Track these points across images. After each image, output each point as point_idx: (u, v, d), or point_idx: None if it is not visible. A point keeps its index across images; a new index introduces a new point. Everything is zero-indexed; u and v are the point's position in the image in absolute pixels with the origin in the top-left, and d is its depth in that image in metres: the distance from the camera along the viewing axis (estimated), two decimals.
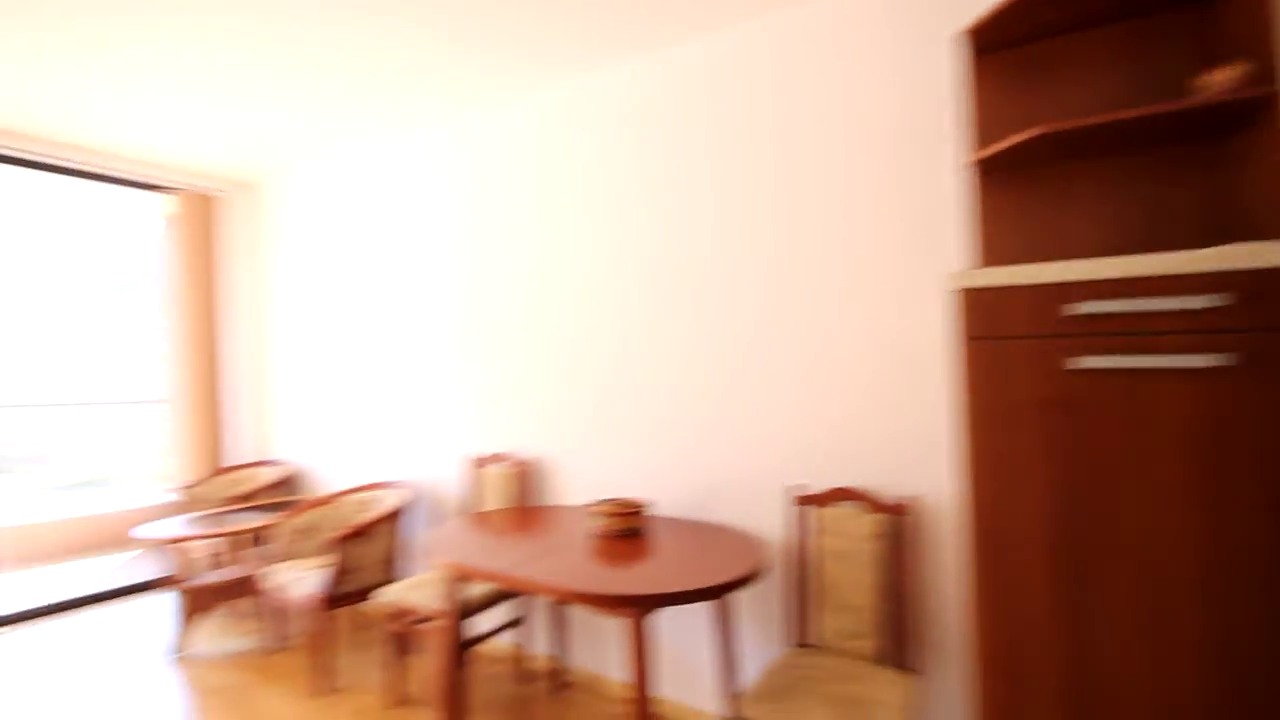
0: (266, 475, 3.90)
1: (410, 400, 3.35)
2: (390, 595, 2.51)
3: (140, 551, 4.70)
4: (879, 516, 1.98)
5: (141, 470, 6.23)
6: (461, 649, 2.23)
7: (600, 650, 2.64)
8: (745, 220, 2.31)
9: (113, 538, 4.90)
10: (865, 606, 1.96)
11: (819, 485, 2.15)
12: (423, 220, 3.30)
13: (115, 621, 3.48)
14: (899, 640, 1.92)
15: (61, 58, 2.51)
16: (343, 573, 2.71)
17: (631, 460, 2.57)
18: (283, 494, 3.88)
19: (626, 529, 2.18)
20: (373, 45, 2.44)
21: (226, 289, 4.24)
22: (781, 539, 2.23)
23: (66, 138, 3.35)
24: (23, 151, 3.33)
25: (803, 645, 2.06)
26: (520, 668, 2.80)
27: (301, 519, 3.07)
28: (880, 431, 2.05)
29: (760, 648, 2.26)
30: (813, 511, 2.10)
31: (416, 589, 2.51)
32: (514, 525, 2.42)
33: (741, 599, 2.29)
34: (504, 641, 2.95)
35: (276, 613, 3.10)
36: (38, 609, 3.56)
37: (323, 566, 2.76)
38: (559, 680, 2.65)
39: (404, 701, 2.56)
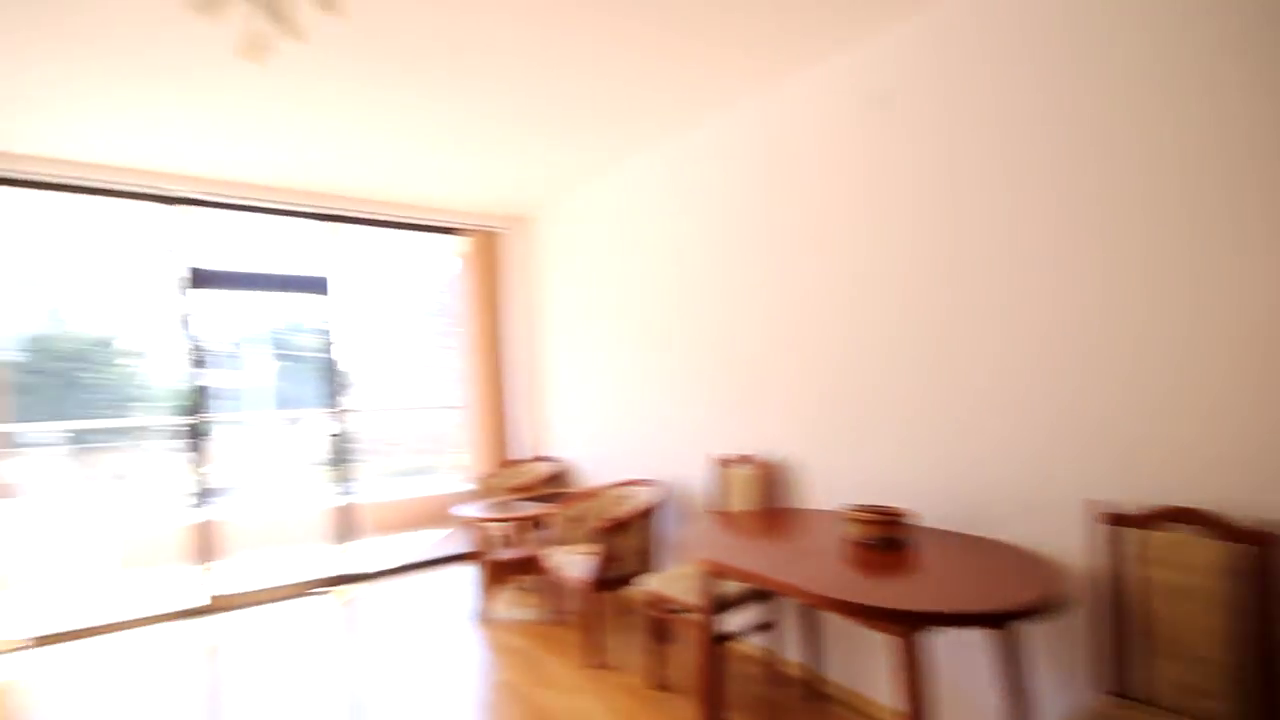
0: (543, 469, 4.48)
1: (662, 403, 3.58)
2: (649, 584, 2.70)
3: (451, 530, 5.72)
4: (1231, 546, 1.58)
5: (449, 462, 7.62)
6: (716, 644, 2.31)
7: (858, 664, 2.52)
8: (1045, 200, 2.03)
9: (433, 516, 6.05)
10: (1214, 659, 1.57)
11: (1134, 501, 1.78)
12: (671, 232, 3.52)
13: (435, 583, 4.29)
14: (1271, 708, 1.50)
15: (385, 139, 3.22)
16: (607, 560, 2.99)
17: (886, 465, 2.41)
18: (556, 486, 4.41)
19: (885, 538, 2.05)
20: (622, 71, 2.69)
21: (507, 311, 5.00)
22: (1083, 565, 1.89)
23: (388, 197, 4.27)
24: (356, 211, 4.34)
25: (1120, 695, 1.72)
26: (773, 671, 2.79)
27: (571, 509, 3.46)
28: (1234, 436, 1.63)
29: (1059, 691, 1.94)
30: (1130, 534, 1.75)
31: (673, 581, 2.66)
32: (763, 527, 2.44)
33: (1033, 631, 1.99)
34: (755, 643, 2.97)
35: (554, 590, 3.53)
36: (383, 570, 4.55)
37: (590, 553, 3.07)
38: (813, 689, 2.58)
39: (663, 685, 2.72)
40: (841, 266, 2.56)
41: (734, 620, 2.86)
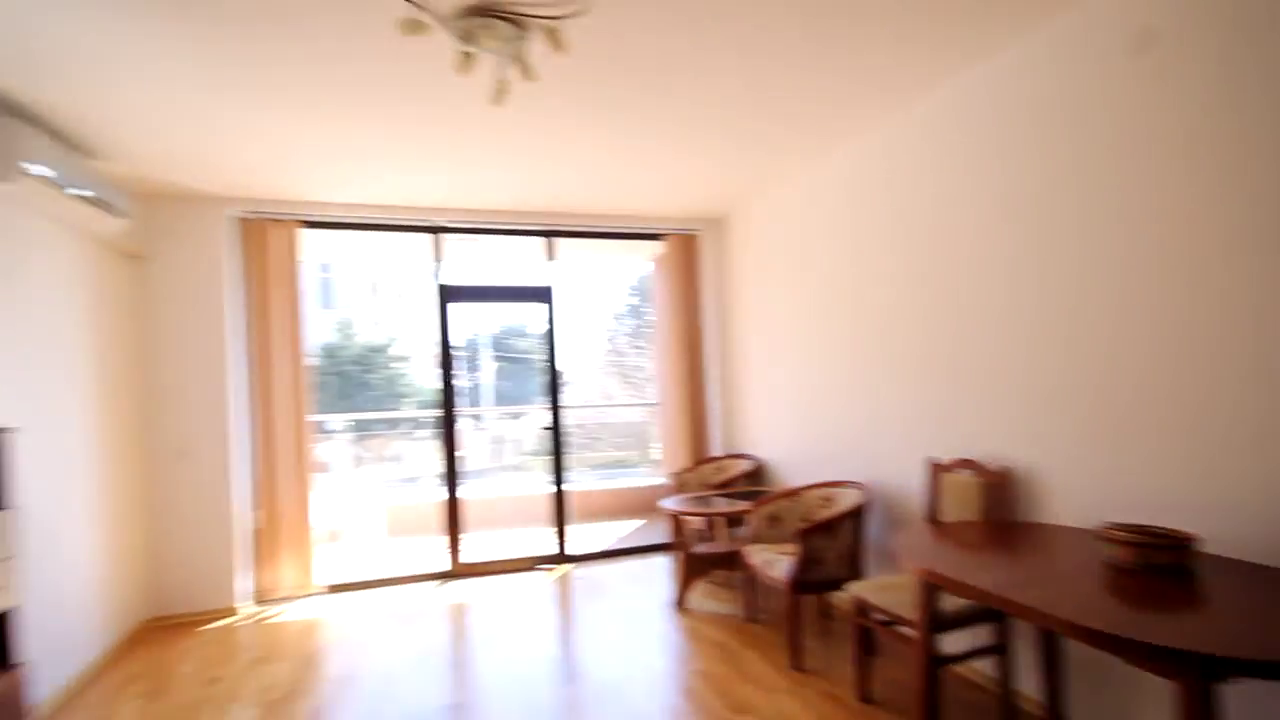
0: (739, 467, 4.49)
1: (869, 401, 3.38)
2: (858, 591, 2.56)
3: (644, 521, 5.99)
4: None
5: (645, 457, 7.98)
6: (934, 663, 2.11)
7: (1110, 706, 2.13)
8: None
9: (630, 507, 6.39)
10: None
11: None
12: (874, 225, 3.32)
13: (634, 570, 4.52)
14: None
15: (595, 156, 3.45)
16: (808, 562, 2.91)
17: (1154, 477, 2.01)
18: (752, 484, 4.39)
19: (1158, 564, 1.71)
20: (812, 66, 2.59)
21: (701, 310, 5.10)
22: None
23: (597, 209, 4.58)
24: (585, 224, 4.72)
25: None
26: (1001, 702, 2.48)
27: (769, 508, 3.42)
28: None
29: None
30: None
31: (884, 590, 2.49)
32: (989, 540, 2.19)
33: None
34: (979, 667, 2.67)
35: (750, 587, 3.51)
36: (588, 553, 4.90)
37: (789, 553, 3.01)
38: None
39: (869, 699, 2.56)
40: (1104, 241, 2.20)
41: (953, 640, 2.61)
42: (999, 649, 2.40)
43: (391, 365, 18.72)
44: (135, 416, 3.79)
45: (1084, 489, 2.23)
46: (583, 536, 5.22)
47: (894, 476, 3.15)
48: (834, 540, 2.96)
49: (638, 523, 6.00)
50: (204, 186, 3.76)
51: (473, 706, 2.72)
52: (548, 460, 4.90)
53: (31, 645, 2.58)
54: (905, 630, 2.33)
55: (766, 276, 4.44)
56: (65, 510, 3.04)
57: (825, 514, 3.21)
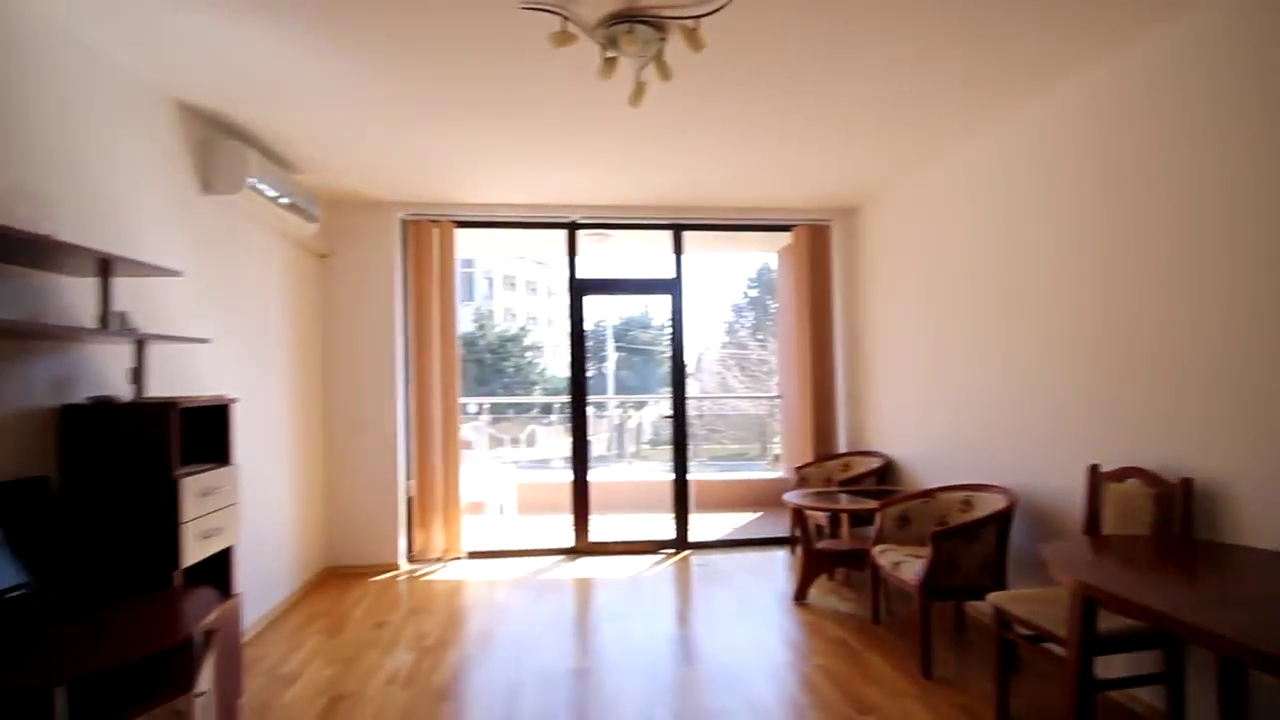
0: (867, 464, 4.35)
1: (1017, 400, 3.15)
2: (999, 600, 2.42)
3: (760, 514, 5.95)
4: None
5: (764, 450, 7.90)
6: (1088, 687, 1.96)
7: None
8: None
9: (747, 499, 6.38)
10: None
11: None
12: (1030, 210, 3.07)
13: (751, 560, 4.54)
14: None
15: (724, 150, 3.47)
16: (941, 566, 2.78)
17: None
18: (880, 482, 4.24)
19: None
20: (956, 51, 2.44)
21: (828, 303, 4.96)
22: None
23: (724, 202, 4.59)
24: (712, 217, 4.78)
25: None
26: None
27: (900, 507, 3.30)
28: None
29: None
30: None
31: (1030, 602, 2.33)
32: (1161, 557, 1.99)
33: None
34: (1143, 697, 2.42)
35: (877, 588, 3.41)
36: (707, 541, 4.98)
37: (920, 555, 2.89)
38: None
39: (1010, 717, 2.41)
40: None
41: (1111, 663, 2.39)
42: (1167, 678, 2.17)
43: (524, 354, 19.93)
44: (318, 394, 4.39)
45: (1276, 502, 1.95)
46: (700, 525, 5.30)
47: (1045, 482, 2.91)
48: (973, 546, 2.81)
49: (754, 515, 5.98)
50: (378, 193, 4.26)
51: (597, 673, 2.90)
52: (669, 449, 5.02)
53: (241, 580, 3.09)
54: (1054, 648, 2.18)
55: (901, 266, 4.24)
56: (266, 471, 3.59)
57: (964, 518, 3.04)
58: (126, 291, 2.34)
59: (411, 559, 4.62)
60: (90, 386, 2.23)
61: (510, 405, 12.50)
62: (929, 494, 3.34)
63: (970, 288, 3.51)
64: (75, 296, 2.18)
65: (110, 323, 2.13)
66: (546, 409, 11.55)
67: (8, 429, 1.92)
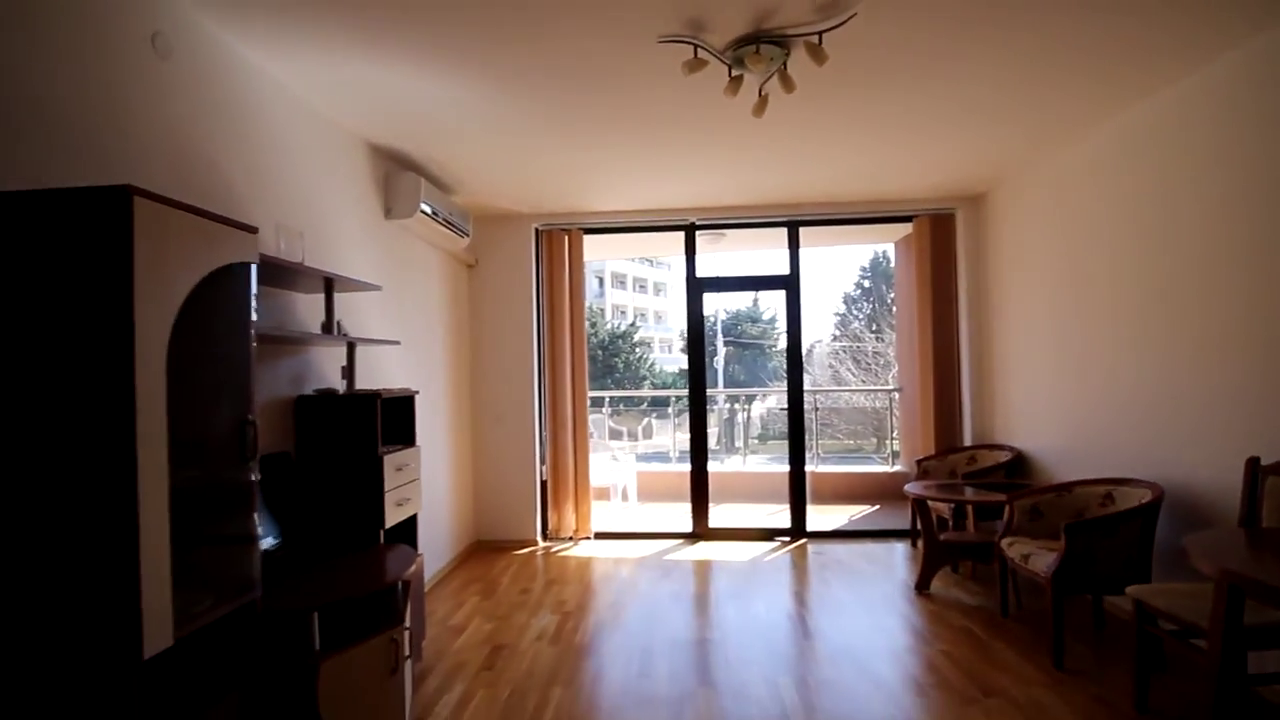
0: (996, 457, 4.26)
1: (1165, 390, 3.02)
2: (1139, 593, 2.39)
3: (877, 507, 5.90)
4: None
5: (882, 443, 7.76)
6: (1234, 682, 1.92)
7: None
8: None
9: (865, 491, 6.33)
10: None
11: None
12: (1173, 192, 2.93)
13: (870, 551, 4.57)
14: None
15: (840, 146, 3.54)
16: (1075, 559, 2.75)
17: None
18: (1011, 476, 4.14)
19: None
20: (1084, 34, 2.40)
21: (951, 293, 4.86)
22: None
23: (841, 197, 4.64)
24: (828, 211, 4.84)
25: None
26: None
27: (1030, 500, 3.25)
28: None
29: None
30: None
31: (1174, 595, 2.30)
32: None
33: None
34: None
35: (1006, 581, 3.37)
36: (825, 531, 5.05)
37: (1052, 549, 2.86)
38: None
39: (1147, 710, 2.38)
40: None
41: (1265, 660, 2.30)
42: None
43: (634, 350, 20.54)
44: (467, 388, 4.96)
45: None
46: (816, 516, 5.38)
47: (1198, 476, 2.78)
48: (1113, 540, 2.75)
49: (871, 508, 5.94)
50: (516, 207, 4.74)
51: (720, 644, 3.13)
52: (778, 443, 5.15)
53: (419, 543, 3.64)
54: (1199, 644, 2.14)
55: (1032, 255, 4.10)
56: (430, 455, 4.15)
57: (1103, 512, 2.96)
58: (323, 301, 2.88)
59: (546, 537, 5.09)
60: (315, 381, 2.78)
61: (625, 399, 13.04)
62: (1065, 487, 3.26)
63: (1111, 276, 3.37)
64: (304, 309, 2.73)
65: (333, 329, 2.65)
66: (659, 403, 11.94)
67: (265, 414, 2.46)
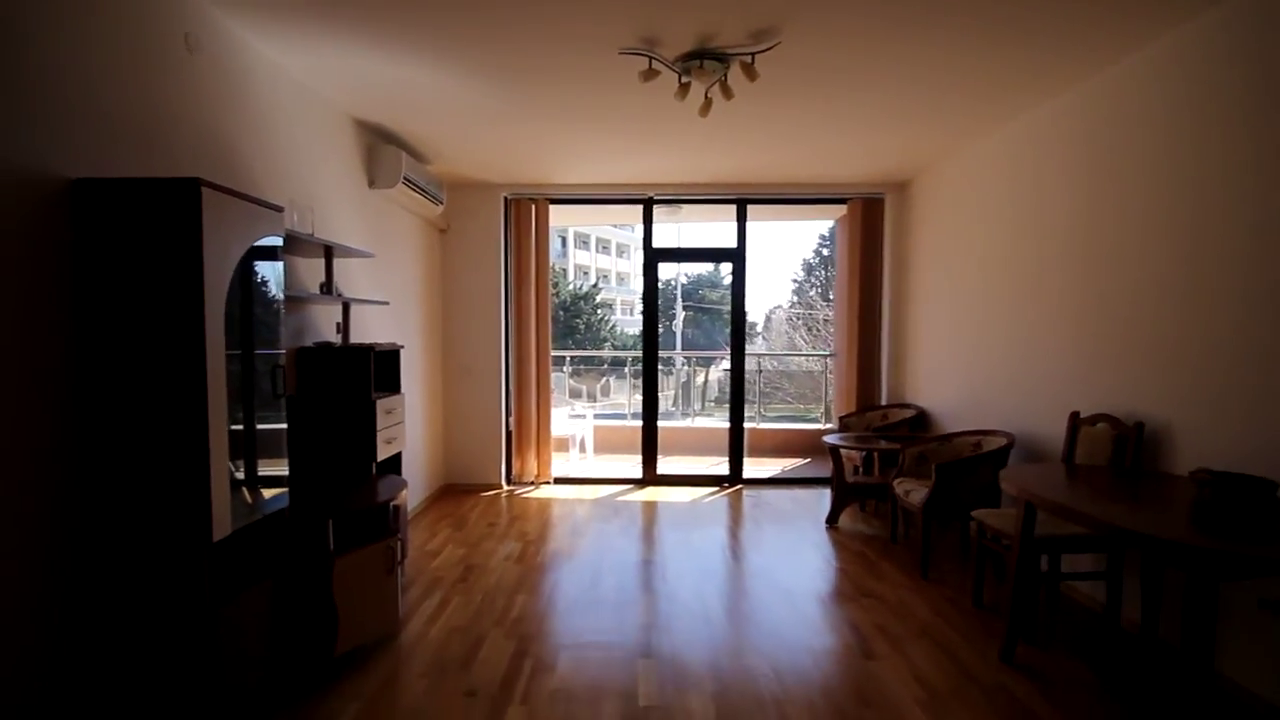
0: (903, 414, 4.95)
1: (1023, 358, 3.69)
2: (979, 515, 3.06)
3: (810, 460, 6.62)
4: None
5: (815, 402, 8.48)
6: (1039, 580, 2.59)
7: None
8: None
9: (798, 446, 7.05)
10: None
11: None
12: (1038, 193, 3.54)
13: (796, 497, 5.26)
14: None
15: (784, 138, 4.03)
16: (942, 493, 3.42)
17: (1268, 433, 2.25)
18: (914, 430, 4.83)
19: (1237, 503, 2.03)
20: (995, 48, 2.92)
21: (876, 270, 5.47)
22: None
23: (784, 179, 5.15)
24: (773, 192, 5.35)
25: None
26: (1107, 622, 2.85)
27: (918, 448, 3.92)
28: None
29: None
30: None
31: (1004, 517, 2.97)
32: (1104, 481, 2.57)
33: None
34: (1092, 594, 3.02)
35: (896, 515, 4.07)
36: (759, 479, 5.73)
37: (927, 486, 3.53)
38: (1150, 647, 2.60)
39: (981, 605, 3.08)
40: (1246, 224, 2.39)
41: (1065, 565, 3.00)
42: (1106, 575, 2.77)
43: (595, 312, 20.92)
44: (439, 343, 5.37)
45: (1207, 443, 2.49)
46: (755, 468, 6.05)
47: (1040, 427, 3.47)
48: (971, 478, 3.43)
49: (804, 461, 6.66)
50: (487, 176, 5.10)
51: (659, 564, 3.74)
52: (730, 401, 5.75)
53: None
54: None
55: (941, 238, 4.72)
56: (409, 403, 4.58)
57: (963, 455, 3.64)
58: (318, 264, 3.26)
59: (510, 481, 5.61)
60: (312, 335, 3.19)
61: (586, 359, 13.53)
62: (947, 438, 3.94)
63: (989, 263, 4.00)
64: (303, 271, 3.11)
65: (331, 290, 3.05)
66: (618, 363, 12.46)
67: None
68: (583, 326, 20.42)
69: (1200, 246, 2.54)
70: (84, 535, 1.87)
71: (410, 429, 4.55)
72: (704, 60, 2.86)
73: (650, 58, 2.86)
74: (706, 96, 3.09)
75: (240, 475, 2.05)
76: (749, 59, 2.83)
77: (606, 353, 17.38)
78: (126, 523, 1.86)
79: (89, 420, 1.85)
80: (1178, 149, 2.64)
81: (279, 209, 2.19)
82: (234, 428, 1.99)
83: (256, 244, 2.08)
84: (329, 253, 3.01)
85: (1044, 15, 2.51)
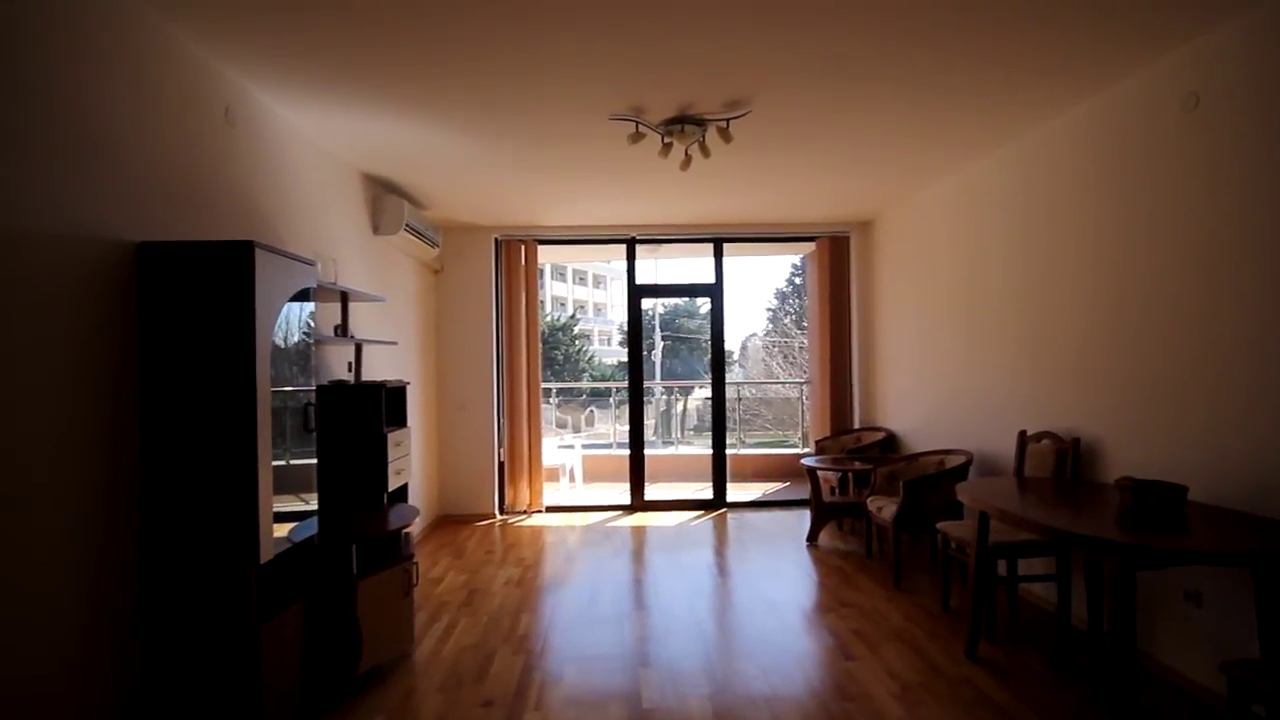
0: (874, 437, 5.29)
1: (980, 383, 4.06)
2: (943, 528, 3.37)
3: (789, 483, 6.92)
4: None
5: (793, 428, 8.82)
6: (996, 582, 2.89)
7: (1142, 625, 2.76)
8: None
9: (778, 470, 7.36)
10: None
11: None
12: (988, 232, 3.96)
13: (777, 518, 5.53)
14: None
15: (756, 186, 4.42)
16: (910, 508, 3.73)
17: (1182, 446, 2.61)
18: (884, 451, 5.16)
19: (1152, 506, 2.35)
20: (942, 104, 3.34)
21: (845, 303, 5.87)
22: None
23: (757, 220, 5.55)
24: (747, 231, 5.75)
25: None
26: (1059, 620, 3.15)
27: (888, 468, 4.24)
28: None
29: None
30: None
31: (964, 528, 3.28)
32: (1047, 491, 2.91)
33: None
34: (1046, 595, 3.33)
35: (870, 531, 4.37)
36: (741, 502, 5.99)
37: (896, 502, 3.84)
38: (1096, 640, 2.91)
39: (948, 610, 3.37)
40: (1156, 268, 2.78)
41: (1021, 569, 3.31)
42: (1055, 578, 3.09)
43: (574, 343, 21.19)
44: (434, 379, 5.59)
45: (1132, 455, 2.84)
46: (737, 492, 6.32)
47: (995, 444, 3.82)
48: (935, 493, 3.75)
49: (784, 484, 6.95)
50: (479, 220, 5.40)
51: (651, 583, 3.97)
52: (711, 429, 6.04)
53: None
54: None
55: (902, 273, 5.13)
56: (412, 436, 4.79)
57: (929, 473, 3.97)
58: (334, 307, 3.51)
59: (503, 511, 5.79)
60: (327, 374, 3.41)
61: (566, 391, 13.77)
62: (914, 457, 4.27)
63: (945, 294, 4.41)
64: (321, 316, 3.35)
65: (346, 333, 3.30)
66: (599, 394, 12.72)
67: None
68: (561, 358, 20.65)
69: (1126, 285, 2.93)
70: (148, 557, 2.06)
71: (411, 462, 4.75)
72: (684, 125, 3.22)
73: (637, 123, 3.21)
74: (686, 154, 3.45)
75: (279, 505, 2.26)
76: (724, 124, 3.20)
77: (589, 384, 17.65)
78: (185, 545, 2.07)
79: (153, 453, 2.07)
80: (1106, 198, 3.06)
81: (312, 263, 2.45)
82: (278, 462, 2.21)
83: (297, 293, 2.34)
84: (345, 298, 3.26)
85: (983, 81, 2.90)
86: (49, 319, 1.78)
